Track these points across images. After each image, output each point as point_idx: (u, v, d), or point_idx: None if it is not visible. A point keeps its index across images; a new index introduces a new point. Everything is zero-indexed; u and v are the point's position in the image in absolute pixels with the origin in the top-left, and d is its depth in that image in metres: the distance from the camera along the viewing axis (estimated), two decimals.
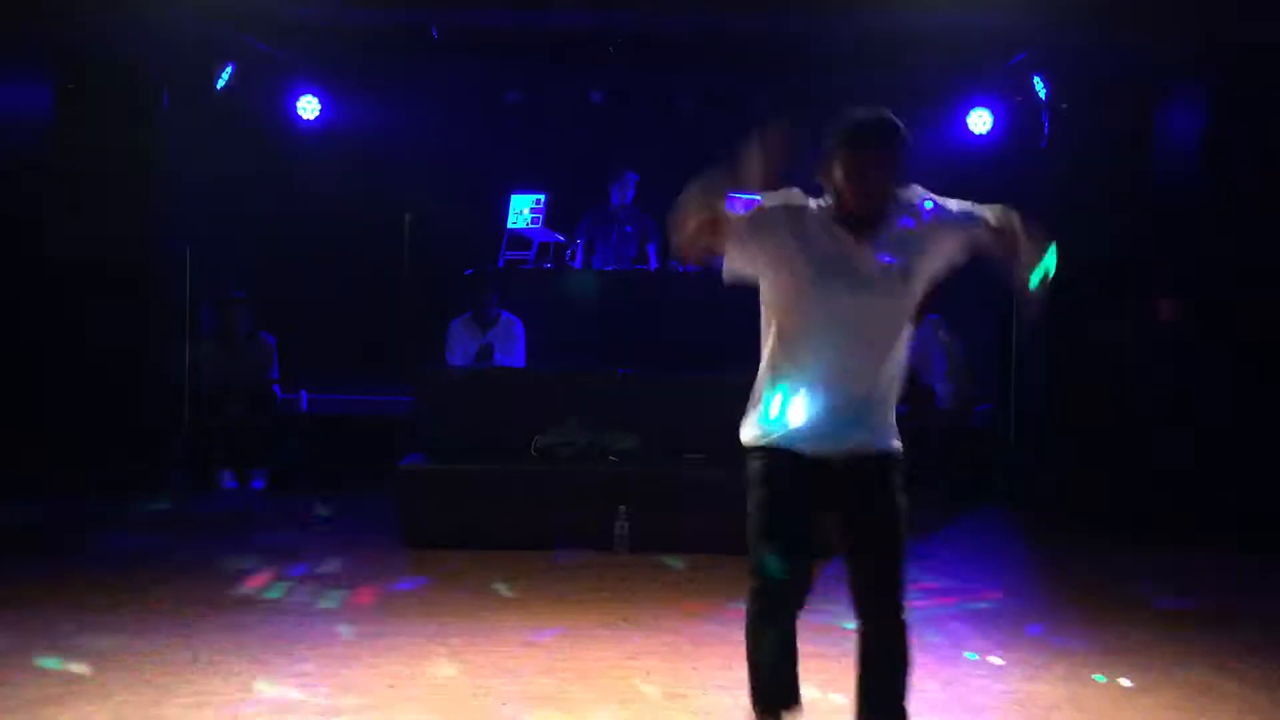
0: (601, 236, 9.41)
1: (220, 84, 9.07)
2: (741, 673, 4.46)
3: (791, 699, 3.27)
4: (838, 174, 3.13)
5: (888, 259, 3.14)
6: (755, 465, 3.24)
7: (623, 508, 6.53)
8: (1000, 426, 8.78)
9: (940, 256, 3.22)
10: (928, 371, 8.61)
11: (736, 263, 3.19)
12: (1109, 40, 7.92)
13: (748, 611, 3.26)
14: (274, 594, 5.64)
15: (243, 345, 8.76)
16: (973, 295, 9.20)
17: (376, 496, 7.28)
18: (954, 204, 3.23)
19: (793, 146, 3.08)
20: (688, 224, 3.09)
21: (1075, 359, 7.93)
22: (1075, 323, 7.92)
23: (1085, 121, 8.14)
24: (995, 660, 4.76)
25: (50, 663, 4.47)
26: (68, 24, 7.94)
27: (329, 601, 5.51)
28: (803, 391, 3.16)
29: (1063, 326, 7.97)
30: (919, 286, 3.20)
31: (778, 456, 3.19)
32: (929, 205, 3.20)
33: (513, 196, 8.99)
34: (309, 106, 10.23)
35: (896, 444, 3.23)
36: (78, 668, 4.42)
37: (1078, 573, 6.48)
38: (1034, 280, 3.20)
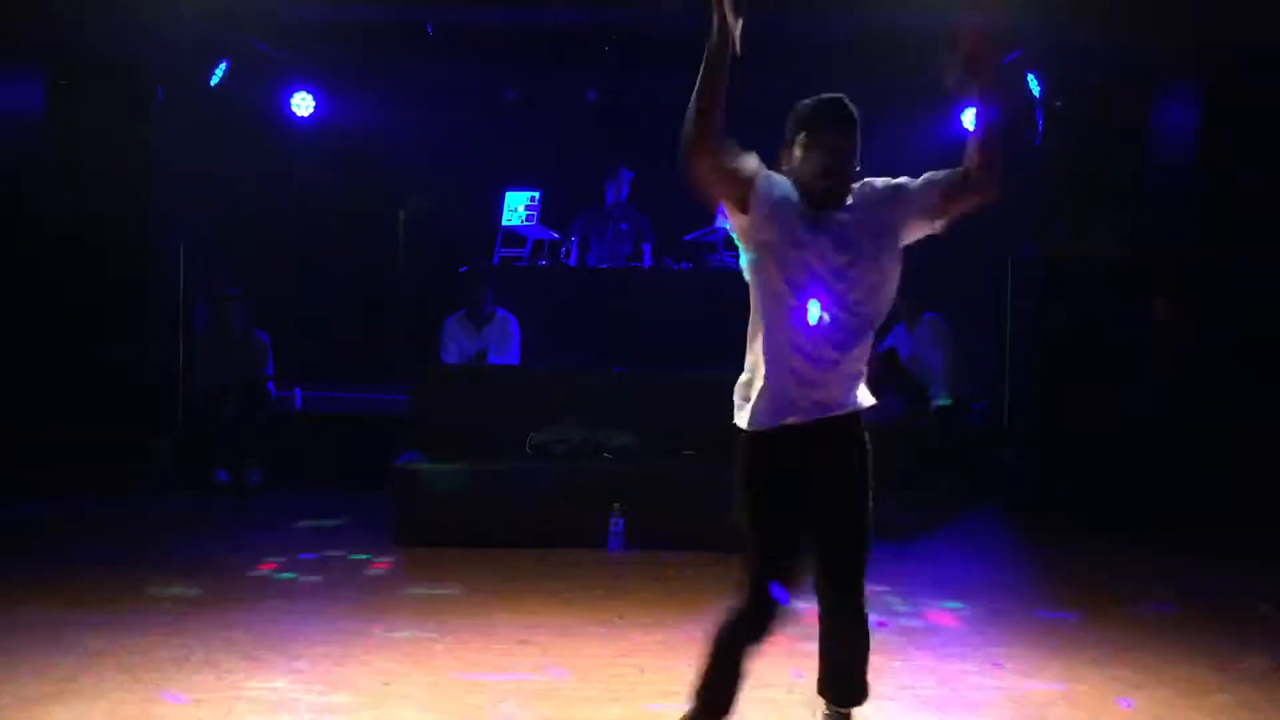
0: (596, 234, 9.41)
1: (215, 80, 9.05)
2: None
3: (732, 708, 3.36)
4: (800, 155, 3.26)
5: (855, 234, 3.23)
6: (744, 457, 3.30)
7: (618, 505, 6.53)
8: (995, 425, 8.79)
9: (908, 223, 3.30)
10: (925, 369, 8.62)
11: (737, 226, 3.34)
12: (1103, 38, 7.93)
13: (728, 622, 3.29)
14: (268, 591, 5.64)
15: (237, 342, 8.74)
16: (970, 293, 9.30)
17: (372, 494, 7.28)
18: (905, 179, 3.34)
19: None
20: (706, 158, 3.29)
21: (1070, 357, 7.93)
22: (1070, 320, 7.94)
23: (1079, 120, 8.14)
24: (991, 658, 4.76)
25: (45, 660, 4.46)
26: (59, 19, 7.92)
27: (322, 599, 5.51)
28: (782, 359, 3.24)
29: (1057, 324, 7.99)
30: (892, 257, 3.27)
31: (764, 448, 3.26)
32: (881, 183, 3.33)
33: (507, 194, 8.98)
34: (303, 103, 10.22)
35: (864, 401, 3.34)
36: (72, 665, 4.41)
37: (1072, 571, 6.49)
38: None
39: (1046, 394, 8.07)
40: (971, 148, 3.27)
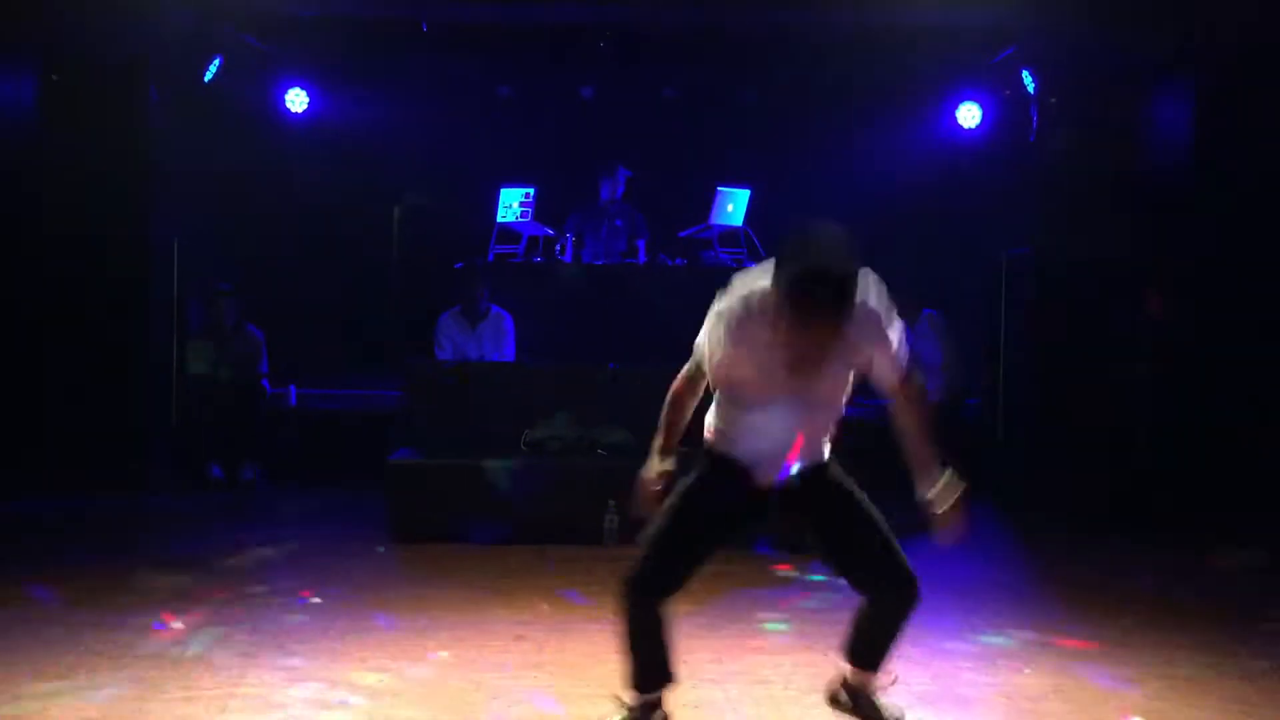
0: (591, 231, 9.41)
1: (208, 77, 9.03)
2: (732, 666, 4.48)
3: (672, 675, 3.54)
4: (780, 309, 3.16)
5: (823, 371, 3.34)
6: (698, 472, 3.54)
7: (612, 502, 6.53)
8: (988, 421, 8.80)
9: (862, 359, 3.39)
10: (924, 366, 8.62)
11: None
12: (1098, 34, 7.94)
13: (619, 598, 3.46)
14: (262, 588, 5.63)
15: (230, 338, 8.74)
16: (965, 292, 9.31)
17: (366, 491, 7.27)
18: (883, 318, 3.33)
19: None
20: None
21: (1063, 353, 7.94)
22: (1064, 317, 7.95)
23: (1074, 116, 8.14)
24: (983, 652, 4.77)
25: (40, 657, 4.45)
26: (52, 15, 7.90)
27: (317, 596, 5.50)
28: (744, 432, 3.46)
29: (1051, 322, 8.00)
30: (846, 372, 3.42)
31: (722, 478, 3.49)
32: (868, 318, 3.28)
33: (502, 190, 8.96)
34: (297, 99, 10.21)
35: (826, 453, 3.56)
36: (67, 663, 4.41)
37: (1065, 567, 6.50)
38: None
39: (1040, 392, 8.08)
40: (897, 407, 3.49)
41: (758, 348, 3.26)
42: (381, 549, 6.51)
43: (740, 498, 3.51)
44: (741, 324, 3.26)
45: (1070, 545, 7.04)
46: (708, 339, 3.38)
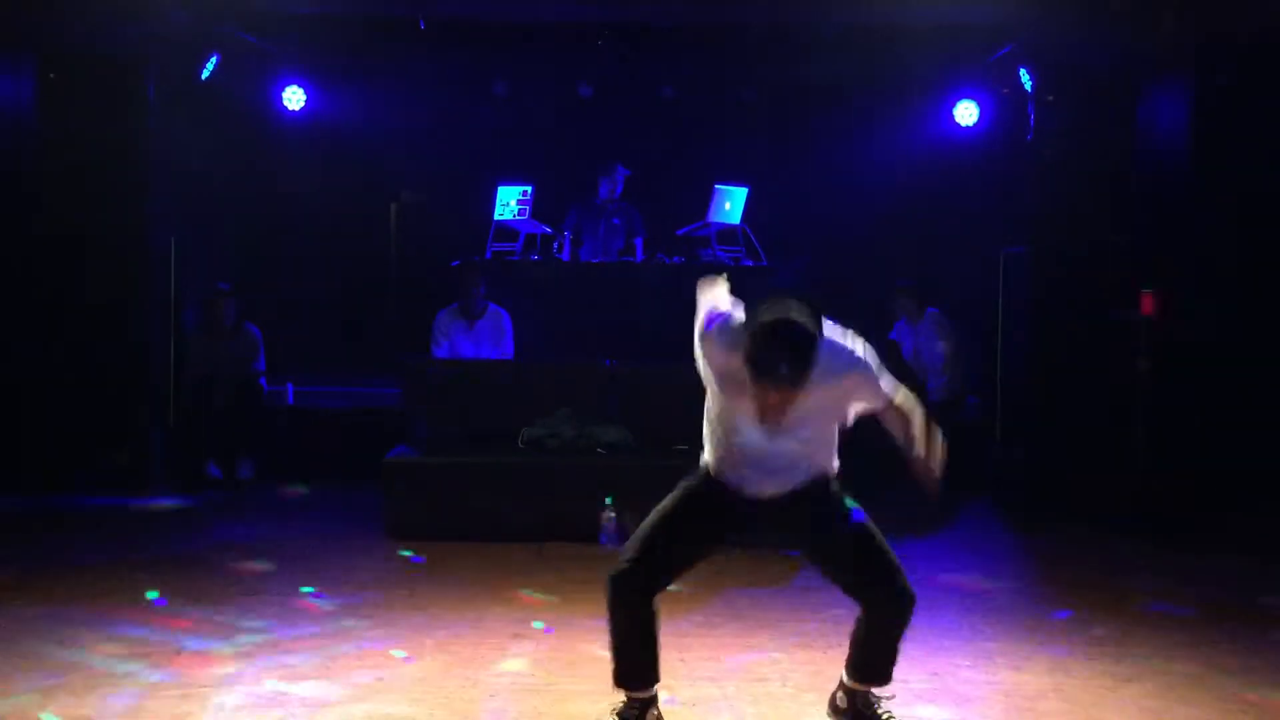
0: (588, 229, 9.41)
1: (205, 74, 9.02)
2: (730, 663, 4.48)
3: (654, 673, 3.62)
4: (749, 367, 3.27)
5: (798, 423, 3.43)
6: (692, 480, 3.67)
7: (610, 500, 6.52)
8: (987, 419, 8.80)
9: (846, 406, 3.53)
10: (927, 365, 8.64)
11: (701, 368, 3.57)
12: (1095, 33, 7.93)
13: (607, 595, 3.60)
14: (259, 585, 5.63)
15: (228, 336, 8.73)
16: (964, 289, 9.30)
17: (363, 488, 7.27)
18: (858, 373, 3.44)
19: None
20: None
21: (1061, 351, 7.94)
22: (1061, 315, 7.94)
23: (1071, 114, 8.14)
24: (982, 651, 4.77)
25: (35, 656, 4.45)
26: (49, 12, 7.88)
27: (314, 593, 5.50)
28: (734, 458, 3.55)
29: (1048, 318, 7.99)
30: (832, 420, 3.55)
31: (713, 489, 3.61)
32: (837, 371, 3.39)
33: (500, 188, 8.96)
34: (294, 97, 10.19)
35: (826, 469, 3.64)
36: (63, 660, 4.40)
37: (1065, 566, 6.50)
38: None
39: (1038, 389, 8.08)
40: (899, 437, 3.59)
41: (732, 388, 3.42)
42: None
43: (732, 509, 3.60)
44: (720, 365, 3.46)
45: (1068, 542, 7.04)
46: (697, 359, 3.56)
